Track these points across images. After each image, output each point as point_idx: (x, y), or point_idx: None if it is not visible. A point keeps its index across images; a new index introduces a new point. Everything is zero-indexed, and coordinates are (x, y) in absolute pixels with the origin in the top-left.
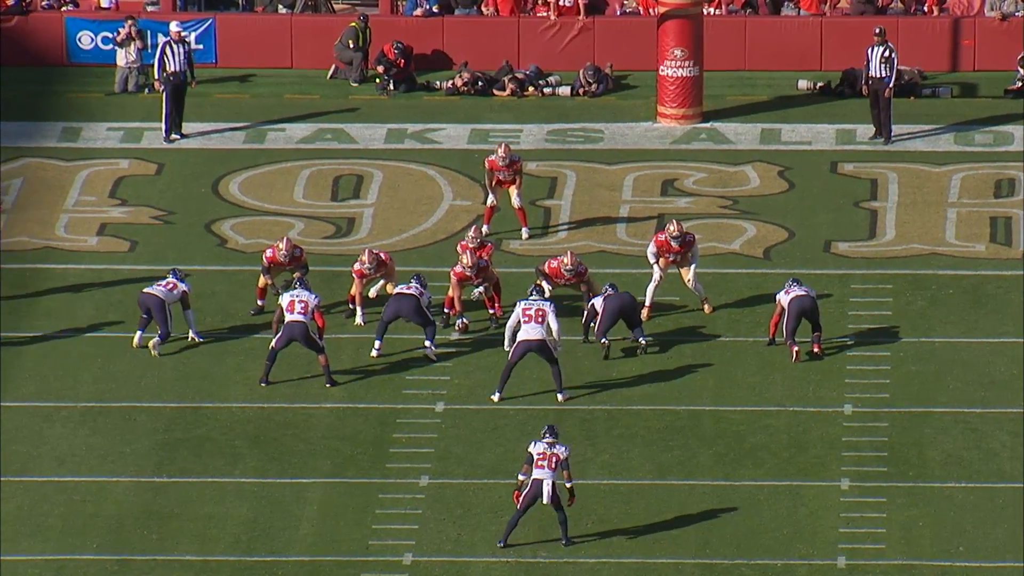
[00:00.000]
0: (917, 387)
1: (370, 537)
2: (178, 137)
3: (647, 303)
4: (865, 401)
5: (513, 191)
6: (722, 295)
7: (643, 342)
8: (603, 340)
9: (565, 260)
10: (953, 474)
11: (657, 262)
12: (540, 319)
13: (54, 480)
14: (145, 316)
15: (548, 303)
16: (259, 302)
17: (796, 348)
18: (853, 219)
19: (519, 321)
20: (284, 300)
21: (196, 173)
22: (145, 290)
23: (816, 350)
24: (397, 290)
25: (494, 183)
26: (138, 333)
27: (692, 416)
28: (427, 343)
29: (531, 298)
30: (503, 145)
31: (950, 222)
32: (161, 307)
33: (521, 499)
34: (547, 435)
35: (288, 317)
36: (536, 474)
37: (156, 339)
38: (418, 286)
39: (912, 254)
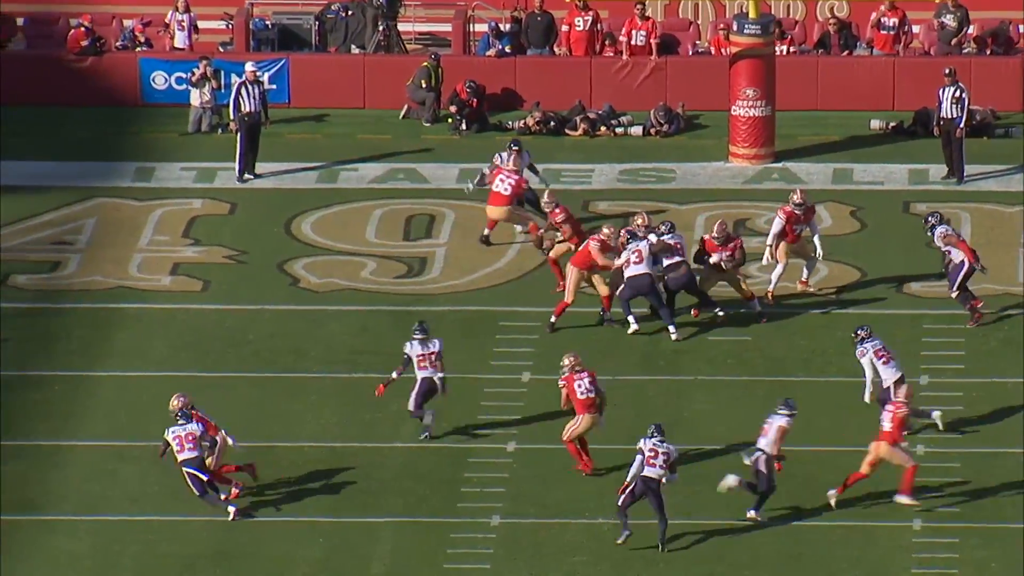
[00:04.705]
0: (989, 427)
1: None
2: (251, 177)
3: (770, 289)
4: (938, 441)
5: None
6: (795, 335)
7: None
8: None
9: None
10: None
11: (779, 244)
12: None
13: (127, 519)
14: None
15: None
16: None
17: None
18: (925, 259)
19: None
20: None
21: (269, 213)
22: (181, 458)
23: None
24: (630, 272)
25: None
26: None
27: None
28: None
29: None
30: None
31: (1022, 262)
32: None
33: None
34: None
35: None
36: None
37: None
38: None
39: (984, 294)
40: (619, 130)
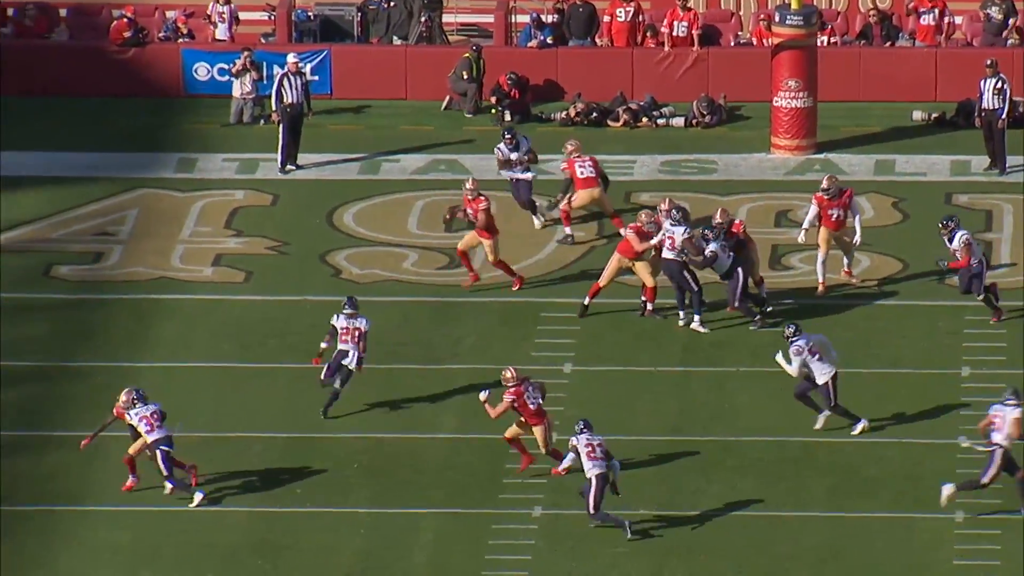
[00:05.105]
0: None
1: (483, 568)
2: (293, 168)
3: (820, 280)
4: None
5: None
6: (836, 326)
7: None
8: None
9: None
10: None
11: (818, 229)
12: None
13: (169, 510)
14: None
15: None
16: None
17: (681, 322)
18: None
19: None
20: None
21: (311, 204)
22: (152, 438)
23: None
24: (663, 256)
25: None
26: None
27: (805, 447)
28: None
29: None
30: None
31: None
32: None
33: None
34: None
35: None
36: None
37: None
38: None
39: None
40: (661, 121)
